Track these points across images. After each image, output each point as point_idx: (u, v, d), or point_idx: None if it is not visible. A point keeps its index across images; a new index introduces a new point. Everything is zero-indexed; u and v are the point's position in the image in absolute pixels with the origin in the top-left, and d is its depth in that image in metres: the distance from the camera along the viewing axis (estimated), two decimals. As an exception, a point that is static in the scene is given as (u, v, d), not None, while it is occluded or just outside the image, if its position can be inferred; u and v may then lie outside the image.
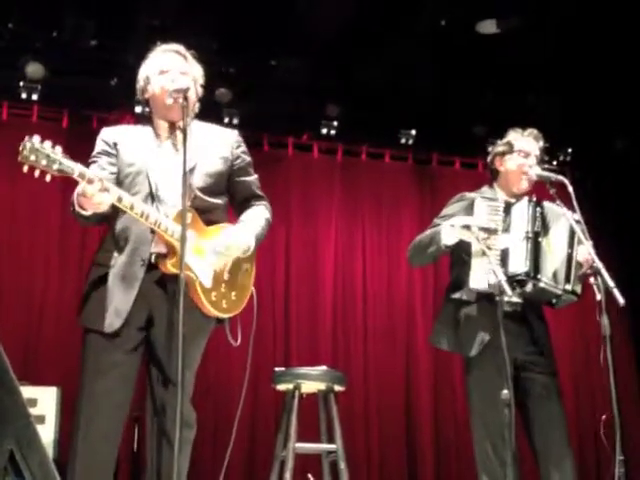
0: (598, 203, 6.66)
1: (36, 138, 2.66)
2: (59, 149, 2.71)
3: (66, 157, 2.73)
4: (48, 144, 2.68)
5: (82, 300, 3.07)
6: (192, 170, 3.05)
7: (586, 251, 3.52)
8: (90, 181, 2.76)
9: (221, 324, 3.18)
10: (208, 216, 3.12)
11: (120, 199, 2.87)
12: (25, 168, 2.65)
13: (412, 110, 6.68)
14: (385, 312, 6.78)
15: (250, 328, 3.13)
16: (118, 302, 2.96)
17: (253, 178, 3.35)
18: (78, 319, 3.06)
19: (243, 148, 3.34)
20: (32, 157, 2.64)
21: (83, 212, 2.88)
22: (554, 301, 3.79)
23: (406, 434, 6.53)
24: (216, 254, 3.07)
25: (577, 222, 3.55)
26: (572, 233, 3.65)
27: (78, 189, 2.81)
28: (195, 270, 3.00)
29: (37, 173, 2.67)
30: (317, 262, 6.74)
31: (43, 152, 2.66)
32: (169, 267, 2.96)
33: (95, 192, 2.76)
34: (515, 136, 3.92)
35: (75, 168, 2.75)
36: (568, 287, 3.67)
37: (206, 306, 3.04)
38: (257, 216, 3.28)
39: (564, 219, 3.63)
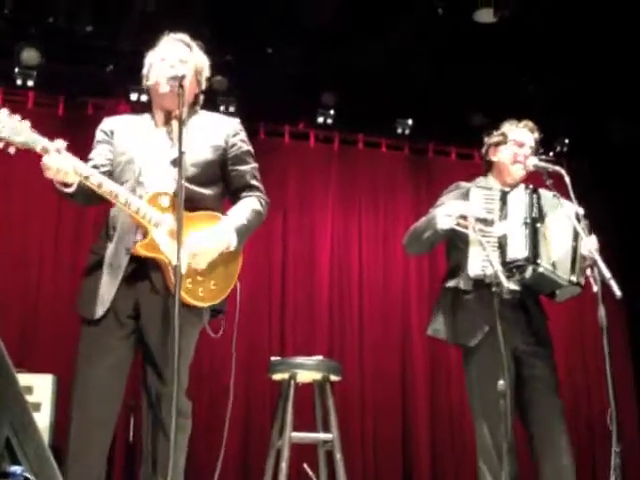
0: (595, 193, 6.65)
1: (3, 110, 2.67)
2: (27, 123, 2.73)
3: (34, 132, 2.75)
4: (16, 117, 2.70)
5: (78, 288, 3.07)
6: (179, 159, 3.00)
7: (590, 244, 3.52)
8: (45, 150, 2.76)
9: (215, 317, 3.12)
10: (195, 204, 3.03)
11: (87, 177, 2.85)
12: None
13: (409, 99, 6.66)
14: (381, 301, 6.78)
15: (241, 319, 3.08)
16: (103, 290, 2.95)
17: (249, 167, 3.25)
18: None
19: (241, 136, 3.26)
20: None
21: (65, 190, 2.87)
22: (557, 292, 3.77)
23: (402, 423, 6.53)
24: (192, 255, 2.96)
25: (577, 217, 3.57)
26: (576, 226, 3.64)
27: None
28: (168, 254, 2.91)
29: (1, 145, 2.69)
30: (313, 251, 6.73)
31: (9, 124, 2.67)
32: (138, 249, 2.92)
33: (51, 161, 2.76)
34: (510, 127, 3.91)
35: (38, 142, 2.76)
36: (573, 278, 3.66)
37: (180, 293, 2.97)
38: (243, 210, 3.16)
39: (566, 210, 3.62)
